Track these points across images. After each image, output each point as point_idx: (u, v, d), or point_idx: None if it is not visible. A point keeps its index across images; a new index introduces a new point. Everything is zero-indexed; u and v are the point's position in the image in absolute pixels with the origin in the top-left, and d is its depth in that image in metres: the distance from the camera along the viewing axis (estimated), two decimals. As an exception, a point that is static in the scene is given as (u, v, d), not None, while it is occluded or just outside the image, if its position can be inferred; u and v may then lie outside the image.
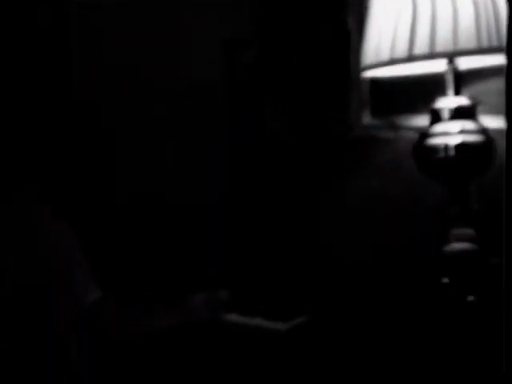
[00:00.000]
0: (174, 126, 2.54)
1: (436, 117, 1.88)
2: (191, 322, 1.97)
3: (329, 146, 2.21)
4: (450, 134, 1.82)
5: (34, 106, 2.05)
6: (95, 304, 1.84)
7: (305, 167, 2.23)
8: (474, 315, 1.67)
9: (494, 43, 1.74)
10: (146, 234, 2.46)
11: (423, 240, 1.88)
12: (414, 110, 2.09)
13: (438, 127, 1.85)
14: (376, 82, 2.18)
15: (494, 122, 1.86)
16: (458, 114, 1.85)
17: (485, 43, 1.74)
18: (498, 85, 1.82)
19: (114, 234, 2.45)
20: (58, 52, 2.45)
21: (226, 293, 2.07)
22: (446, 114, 1.86)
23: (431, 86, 1.98)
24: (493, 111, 1.89)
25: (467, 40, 1.73)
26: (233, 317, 2.05)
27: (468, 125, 1.82)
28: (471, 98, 1.88)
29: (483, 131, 1.82)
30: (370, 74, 1.97)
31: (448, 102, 1.87)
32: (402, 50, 1.80)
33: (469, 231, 1.76)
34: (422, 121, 2.00)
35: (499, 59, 1.73)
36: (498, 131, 1.78)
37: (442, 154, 1.80)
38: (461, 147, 1.79)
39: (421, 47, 1.78)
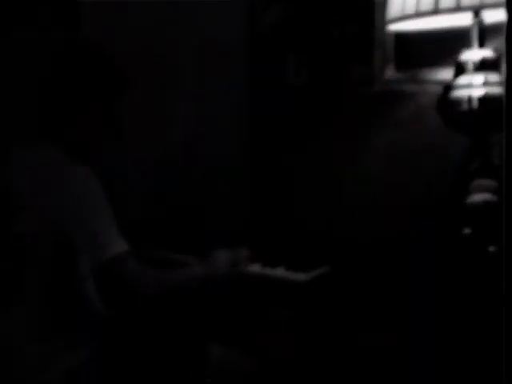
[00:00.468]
0: (198, 85, 2.55)
1: (460, 70, 1.89)
2: (214, 277, 1.99)
3: (352, 101, 2.21)
4: (474, 86, 1.82)
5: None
6: (120, 256, 1.82)
7: (327, 121, 2.24)
8: (496, 265, 1.68)
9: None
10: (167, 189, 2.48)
11: (445, 192, 1.89)
12: (438, 63, 2.10)
13: (462, 79, 1.86)
14: (400, 36, 2.18)
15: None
16: (482, 66, 1.86)
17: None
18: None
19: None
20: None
21: (247, 250, 2.09)
22: (470, 67, 1.87)
23: (456, 40, 1.98)
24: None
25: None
26: (255, 268, 2.08)
27: (492, 77, 1.83)
28: (495, 50, 1.88)
29: (507, 83, 1.82)
30: (394, 27, 1.96)
31: (472, 54, 1.88)
32: (427, 3, 1.81)
33: (490, 182, 1.78)
34: (445, 74, 2.00)
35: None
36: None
37: (465, 106, 1.82)
38: (484, 99, 1.80)
39: (447, 0, 1.78)
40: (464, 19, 1.90)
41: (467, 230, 1.75)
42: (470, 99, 1.81)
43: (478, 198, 1.78)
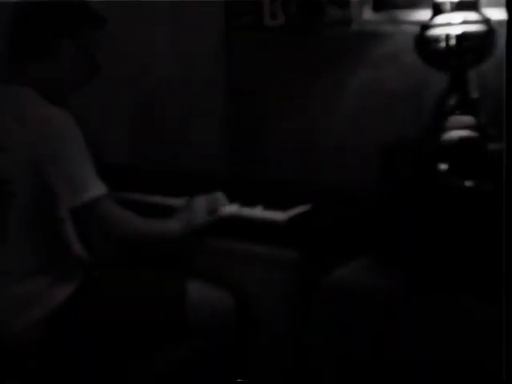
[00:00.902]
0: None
1: (438, 10, 1.90)
2: (193, 228, 1.99)
3: (328, 42, 2.21)
4: (452, 24, 1.84)
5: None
6: (98, 198, 1.82)
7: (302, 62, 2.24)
8: (472, 200, 1.71)
9: None
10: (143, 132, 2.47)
11: (422, 130, 1.91)
12: (416, 4, 2.11)
13: (441, 18, 1.87)
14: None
15: (496, 13, 1.88)
16: (461, 6, 1.87)
17: None
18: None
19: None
20: None
21: (223, 194, 2.09)
22: (447, 8, 1.88)
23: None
24: (496, 3, 1.90)
25: None
26: (233, 208, 2.09)
27: (470, 16, 1.84)
28: (473, -10, 1.89)
29: (485, 21, 1.84)
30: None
31: (450, -5, 1.89)
32: None
33: (468, 118, 1.80)
34: (423, 15, 2.01)
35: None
36: (499, 22, 1.80)
37: (443, 44, 1.83)
38: (463, 36, 1.82)
39: None
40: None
41: (443, 166, 1.77)
42: (447, 36, 1.83)
43: (454, 134, 1.80)
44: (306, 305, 1.93)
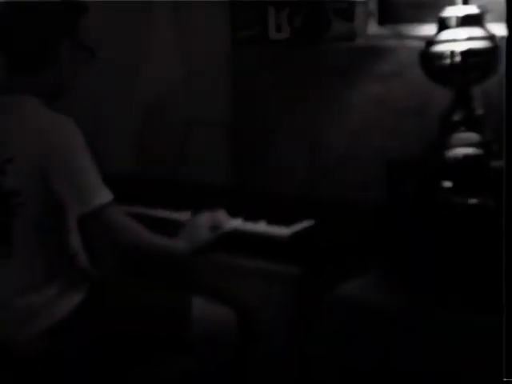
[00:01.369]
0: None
1: (443, 25, 1.89)
2: (195, 247, 1.98)
3: (333, 56, 2.21)
4: (457, 40, 1.83)
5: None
6: (105, 206, 1.81)
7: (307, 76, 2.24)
8: (476, 218, 1.70)
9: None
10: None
11: (426, 145, 1.90)
12: (421, 19, 2.10)
13: (446, 34, 1.87)
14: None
15: (501, 29, 1.87)
16: (466, 22, 1.86)
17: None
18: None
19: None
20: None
21: (225, 211, 2.08)
22: (453, 23, 1.87)
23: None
24: (501, 19, 1.89)
25: None
26: (236, 223, 2.07)
27: (475, 32, 1.84)
28: (480, 6, 1.88)
29: (490, 37, 1.84)
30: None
31: (456, 10, 1.88)
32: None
33: (472, 136, 1.80)
34: (428, 30, 2.00)
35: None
36: (504, 38, 1.78)
37: (448, 60, 1.83)
38: (468, 53, 1.81)
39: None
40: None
41: (447, 184, 1.77)
42: (453, 53, 1.82)
43: (458, 152, 1.79)
44: (309, 319, 1.93)
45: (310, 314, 1.92)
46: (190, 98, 2.48)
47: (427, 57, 1.88)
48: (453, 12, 1.88)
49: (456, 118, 1.86)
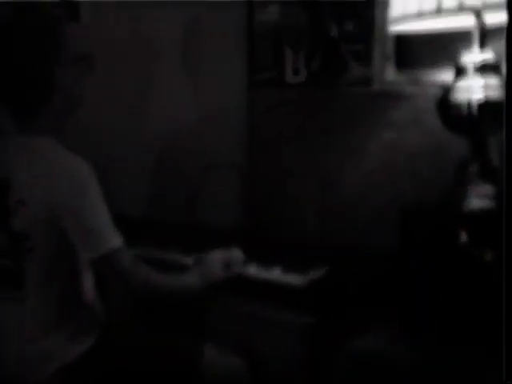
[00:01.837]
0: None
1: (460, 72, 1.87)
2: (208, 283, 1.97)
3: (350, 101, 2.20)
4: (474, 89, 1.80)
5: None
6: (115, 250, 1.81)
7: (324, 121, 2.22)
8: (492, 272, 1.67)
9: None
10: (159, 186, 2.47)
11: (441, 193, 1.88)
12: (438, 65, 2.08)
13: (462, 82, 1.84)
14: (401, 36, 2.16)
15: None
16: (483, 69, 1.84)
17: (513, -3, 1.70)
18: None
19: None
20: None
21: (240, 250, 2.07)
22: (470, 69, 1.85)
23: (456, 42, 1.96)
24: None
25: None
26: (250, 270, 2.06)
27: (492, 81, 1.81)
28: (496, 53, 1.85)
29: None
30: (395, 27, 1.94)
31: (473, 57, 1.85)
32: (430, 4, 1.79)
33: (488, 188, 1.77)
34: (445, 76, 1.99)
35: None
36: None
37: (464, 110, 1.80)
38: (483, 103, 1.78)
39: (449, 1, 1.76)
40: (465, 21, 1.88)
41: (464, 237, 1.74)
42: (469, 103, 1.79)
43: (474, 204, 1.77)
44: (321, 370, 1.90)
45: (322, 364, 1.89)
46: (205, 140, 2.49)
47: (443, 106, 1.86)
48: (470, 58, 1.85)
49: (472, 168, 1.83)
